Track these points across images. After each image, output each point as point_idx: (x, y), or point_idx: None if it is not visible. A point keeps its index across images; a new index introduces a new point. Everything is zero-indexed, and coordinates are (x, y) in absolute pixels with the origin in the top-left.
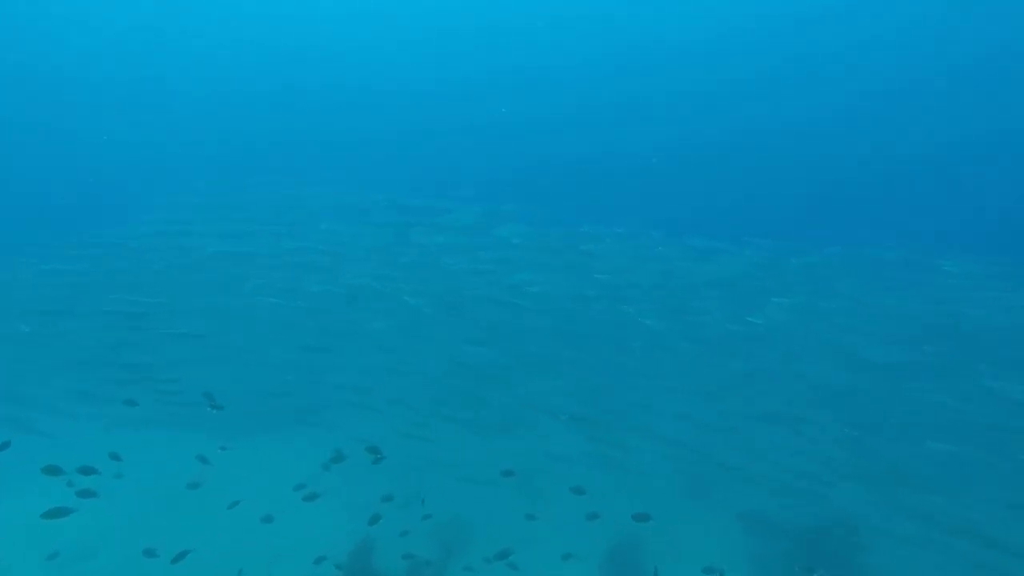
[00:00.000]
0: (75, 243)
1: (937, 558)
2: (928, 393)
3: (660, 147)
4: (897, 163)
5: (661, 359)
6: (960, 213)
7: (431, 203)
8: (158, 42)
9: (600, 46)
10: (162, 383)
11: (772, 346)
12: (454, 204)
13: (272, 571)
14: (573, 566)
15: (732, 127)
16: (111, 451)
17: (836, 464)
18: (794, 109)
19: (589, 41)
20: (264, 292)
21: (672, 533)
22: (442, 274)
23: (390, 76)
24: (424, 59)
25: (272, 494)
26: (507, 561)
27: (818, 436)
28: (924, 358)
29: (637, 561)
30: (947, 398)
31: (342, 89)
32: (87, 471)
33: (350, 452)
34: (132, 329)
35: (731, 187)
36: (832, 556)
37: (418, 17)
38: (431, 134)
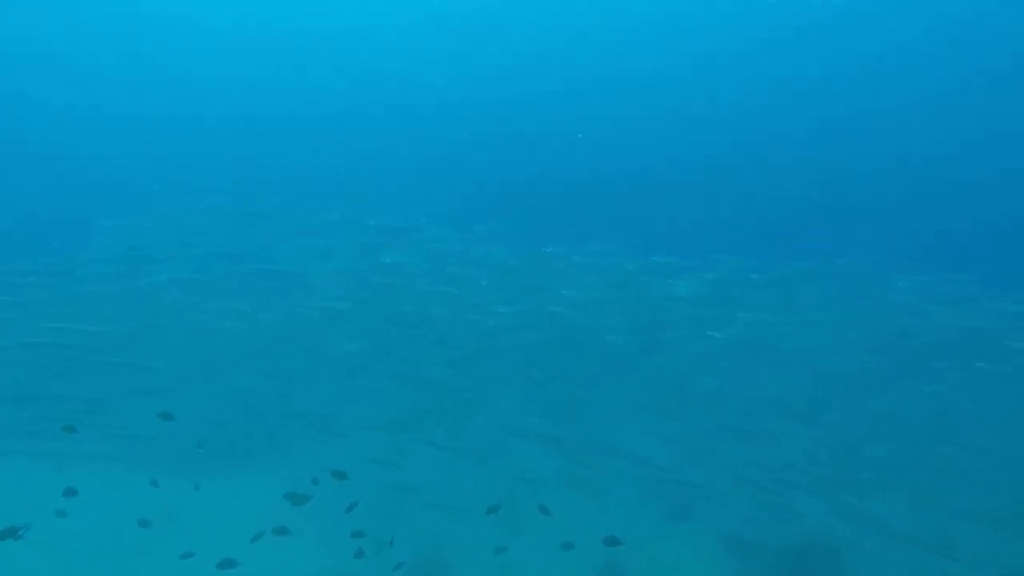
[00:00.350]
0: (15, 271)
1: (914, 572)
2: (881, 402)
3: (635, 165)
4: (859, 181)
5: (631, 376)
6: (915, 230)
7: (404, 222)
8: (130, 62)
9: (579, 69)
10: (107, 416)
11: (738, 361)
12: (428, 223)
13: None
14: None
15: (703, 146)
16: (58, 489)
17: (808, 478)
18: (762, 129)
19: (569, 64)
20: (224, 316)
21: (654, 559)
22: (412, 295)
23: (373, 97)
24: (409, 79)
25: (231, 534)
26: None
27: (788, 450)
28: (878, 368)
29: None
30: (899, 407)
31: (324, 109)
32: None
33: (317, 483)
34: (71, 360)
35: (699, 205)
36: (815, 573)
37: (400, 40)
38: (410, 155)
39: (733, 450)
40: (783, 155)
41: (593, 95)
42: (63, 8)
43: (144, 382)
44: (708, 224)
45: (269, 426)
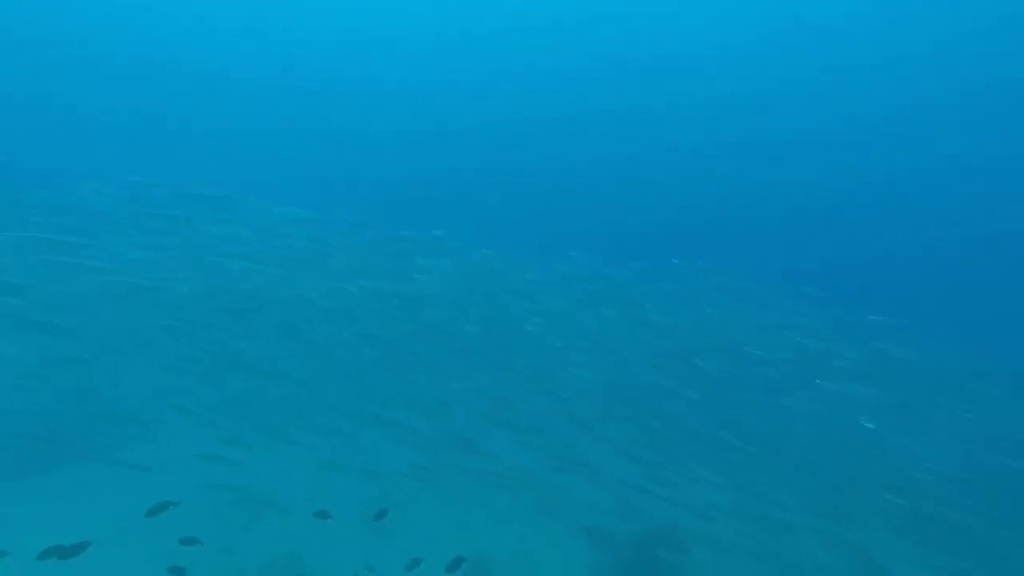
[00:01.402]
0: None
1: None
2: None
3: (522, 165)
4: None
5: (484, 366)
6: (740, 243)
7: (243, 197)
8: None
9: (484, 66)
10: None
11: (589, 351)
12: (277, 203)
13: None
14: None
15: (587, 153)
16: None
17: (650, 466)
18: (641, 140)
19: (476, 63)
20: None
21: (518, 554)
22: (249, 274)
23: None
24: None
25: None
26: None
27: (630, 437)
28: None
29: None
30: (719, 393)
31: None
32: None
33: (129, 492)
34: None
35: (569, 206)
36: (660, 563)
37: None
38: (301, 142)
39: (583, 442)
40: (657, 168)
41: (504, 95)
42: None
43: None
44: (572, 224)
45: (55, 423)
